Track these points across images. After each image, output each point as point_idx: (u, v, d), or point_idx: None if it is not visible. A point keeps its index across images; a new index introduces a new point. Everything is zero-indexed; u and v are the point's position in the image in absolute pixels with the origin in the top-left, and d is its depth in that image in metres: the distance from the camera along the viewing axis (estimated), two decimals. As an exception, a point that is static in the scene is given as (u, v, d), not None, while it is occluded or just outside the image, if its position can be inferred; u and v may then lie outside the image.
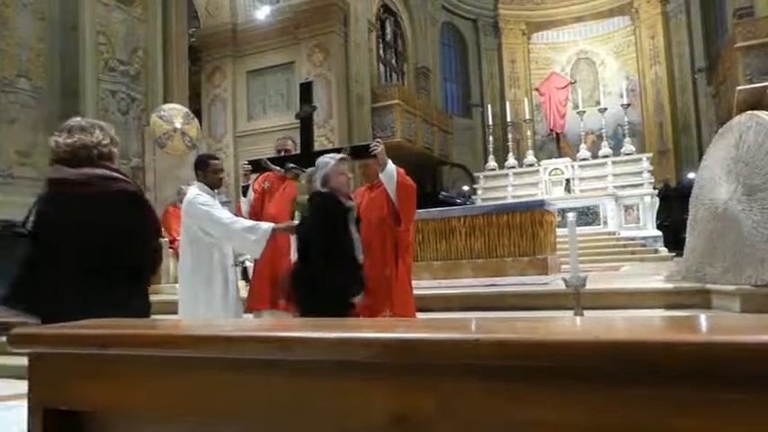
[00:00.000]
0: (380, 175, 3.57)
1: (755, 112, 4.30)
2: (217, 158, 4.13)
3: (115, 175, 2.29)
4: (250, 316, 4.10)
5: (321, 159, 3.27)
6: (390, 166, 3.56)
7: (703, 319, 0.77)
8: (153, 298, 2.55)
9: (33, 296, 2.21)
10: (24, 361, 1.03)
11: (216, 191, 3.95)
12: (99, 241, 2.19)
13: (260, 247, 3.48)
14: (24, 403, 1.04)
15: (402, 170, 3.64)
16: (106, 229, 2.21)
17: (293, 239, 3.64)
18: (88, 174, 2.23)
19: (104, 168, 2.27)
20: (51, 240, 2.22)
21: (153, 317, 2.45)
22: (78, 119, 2.49)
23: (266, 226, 3.49)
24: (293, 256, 3.77)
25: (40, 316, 2.18)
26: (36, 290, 2.21)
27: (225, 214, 3.52)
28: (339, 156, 3.32)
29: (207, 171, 3.85)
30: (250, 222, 3.55)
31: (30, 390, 1.02)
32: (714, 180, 4.53)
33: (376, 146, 3.53)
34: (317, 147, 3.92)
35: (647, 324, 0.76)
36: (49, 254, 2.22)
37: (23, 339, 1.02)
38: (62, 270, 2.20)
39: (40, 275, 2.23)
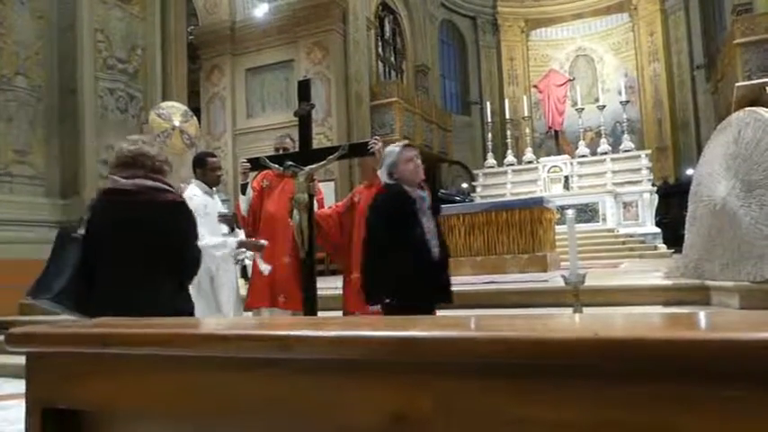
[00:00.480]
0: (379, 173, 3.57)
1: (754, 108, 4.30)
2: (215, 156, 4.13)
3: (164, 186, 2.53)
4: (250, 314, 4.10)
5: (387, 148, 3.06)
6: None
7: (703, 315, 0.77)
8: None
9: (84, 296, 2.41)
10: (22, 360, 1.03)
11: (214, 189, 3.96)
12: (147, 246, 2.42)
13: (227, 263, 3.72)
14: (22, 402, 1.04)
15: None
16: (154, 235, 2.44)
17: (291, 239, 3.65)
18: (139, 184, 2.46)
19: (156, 180, 2.50)
20: (102, 244, 2.44)
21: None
22: (144, 136, 2.88)
23: (232, 241, 3.70)
24: (287, 258, 3.79)
25: (90, 315, 2.31)
26: (87, 290, 2.42)
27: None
28: (404, 142, 3.14)
29: (205, 169, 3.87)
30: (216, 240, 3.68)
31: (28, 389, 1.02)
32: (713, 176, 4.53)
33: (374, 143, 3.52)
34: (315, 145, 3.91)
35: (646, 321, 0.76)
36: (100, 257, 2.44)
37: (21, 339, 1.01)
38: (112, 272, 2.41)
39: (92, 277, 2.43)
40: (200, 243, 3.45)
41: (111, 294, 2.38)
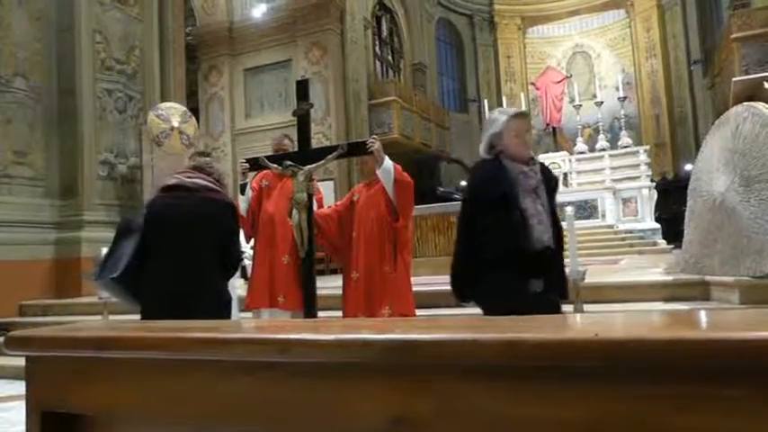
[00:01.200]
0: (378, 172, 3.56)
1: (752, 103, 4.30)
2: (210, 156, 4.13)
3: (218, 188, 2.85)
4: (249, 315, 4.10)
5: (492, 115, 2.66)
6: (387, 162, 3.55)
7: (703, 314, 0.77)
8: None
9: (138, 282, 2.62)
10: (22, 361, 1.03)
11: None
12: (201, 240, 2.68)
13: None
14: (23, 404, 1.04)
15: (399, 166, 3.63)
16: (207, 230, 2.71)
17: (291, 239, 3.65)
18: (198, 183, 2.77)
19: (213, 183, 2.82)
20: (159, 235, 2.67)
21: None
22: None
23: None
24: (286, 258, 3.77)
25: (144, 299, 2.66)
26: (141, 277, 2.62)
27: None
28: (514, 110, 2.72)
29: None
30: None
31: (27, 393, 1.02)
32: (711, 171, 4.53)
33: (372, 142, 3.51)
34: (314, 144, 3.90)
35: (645, 321, 0.75)
36: (157, 247, 2.66)
37: (20, 342, 1.01)
38: (166, 262, 2.64)
39: (147, 265, 2.63)
40: None
41: (164, 282, 2.61)
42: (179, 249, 2.66)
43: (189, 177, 2.79)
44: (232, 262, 2.86)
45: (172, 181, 2.82)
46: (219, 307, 2.71)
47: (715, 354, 0.58)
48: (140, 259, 2.64)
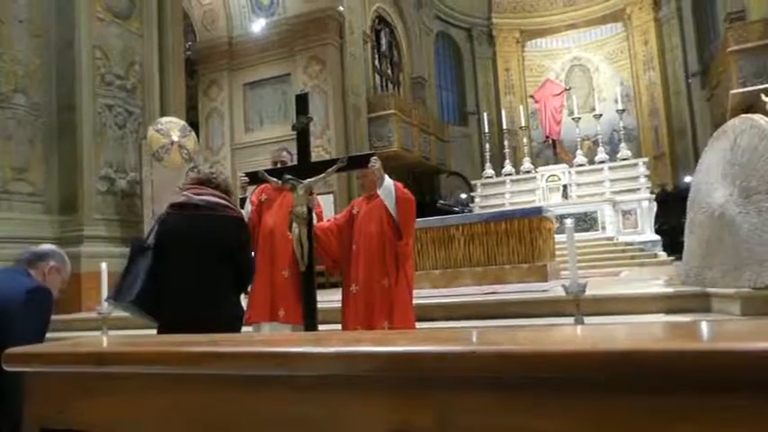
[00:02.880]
0: (378, 191, 3.58)
1: (750, 115, 4.32)
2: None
3: (229, 204, 2.89)
4: (249, 329, 4.08)
5: None
6: (388, 181, 3.56)
7: (704, 325, 0.76)
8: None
9: (155, 300, 2.66)
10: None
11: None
12: (213, 255, 2.73)
13: None
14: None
15: (400, 184, 3.63)
16: (219, 246, 2.75)
17: (291, 253, 3.64)
18: (209, 200, 2.80)
19: (222, 198, 2.85)
20: (173, 253, 2.71)
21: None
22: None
23: None
24: (286, 272, 3.75)
25: (162, 317, 2.69)
26: (158, 295, 2.66)
27: None
28: None
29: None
30: None
31: (26, 409, 1.01)
32: (710, 183, 4.54)
33: (373, 164, 3.54)
34: (314, 157, 3.90)
35: (645, 332, 0.75)
36: (170, 265, 2.70)
37: (19, 358, 1.01)
38: (180, 279, 2.68)
39: (162, 283, 2.67)
40: None
41: (180, 300, 2.65)
42: (193, 266, 2.70)
43: (197, 194, 2.81)
44: (246, 275, 2.93)
45: (181, 198, 2.85)
46: (234, 320, 2.81)
47: (717, 365, 0.57)
48: (154, 279, 2.67)
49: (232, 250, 2.78)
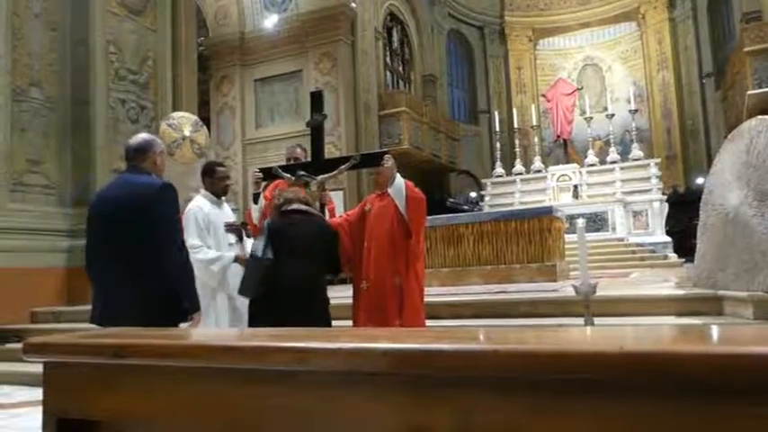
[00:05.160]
0: (389, 190, 3.58)
1: (766, 116, 4.27)
2: (223, 166, 4.15)
3: (315, 211, 3.48)
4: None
5: None
6: (399, 180, 3.56)
7: (726, 329, 0.76)
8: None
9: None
10: (36, 368, 1.03)
11: (222, 198, 3.97)
12: (313, 250, 3.27)
13: (215, 280, 3.61)
14: (34, 410, 1.04)
15: (411, 183, 3.63)
16: (318, 241, 3.31)
17: None
18: (305, 209, 3.37)
19: (310, 208, 3.44)
20: (285, 260, 3.18)
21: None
22: None
23: (229, 255, 3.65)
24: None
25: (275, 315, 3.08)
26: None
27: (196, 241, 3.56)
28: None
29: (213, 178, 3.89)
30: (213, 254, 3.63)
31: (44, 399, 1.02)
32: (724, 185, 4.50)
33: (387, 160, 3.55)
34: (325, 154, 3.91)
35: (670, 334, 0.75)
36: (282, 272, 3.15)
37: (38, 348, 1.02)
38: (289, 267, 3.17)
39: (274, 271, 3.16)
40: (198, 256, 3.45)
41: (287, 283, 3.18)
42: (300, 258, 3.20)
43: (299, 204, 3.37)
44: (337, 261, 3.52)
45: (287, 207, 3.37)
46: (325, 301, 3.39)
47: (742, 369, 0.57)
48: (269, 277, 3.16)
49: (326, 245, 3.42)
